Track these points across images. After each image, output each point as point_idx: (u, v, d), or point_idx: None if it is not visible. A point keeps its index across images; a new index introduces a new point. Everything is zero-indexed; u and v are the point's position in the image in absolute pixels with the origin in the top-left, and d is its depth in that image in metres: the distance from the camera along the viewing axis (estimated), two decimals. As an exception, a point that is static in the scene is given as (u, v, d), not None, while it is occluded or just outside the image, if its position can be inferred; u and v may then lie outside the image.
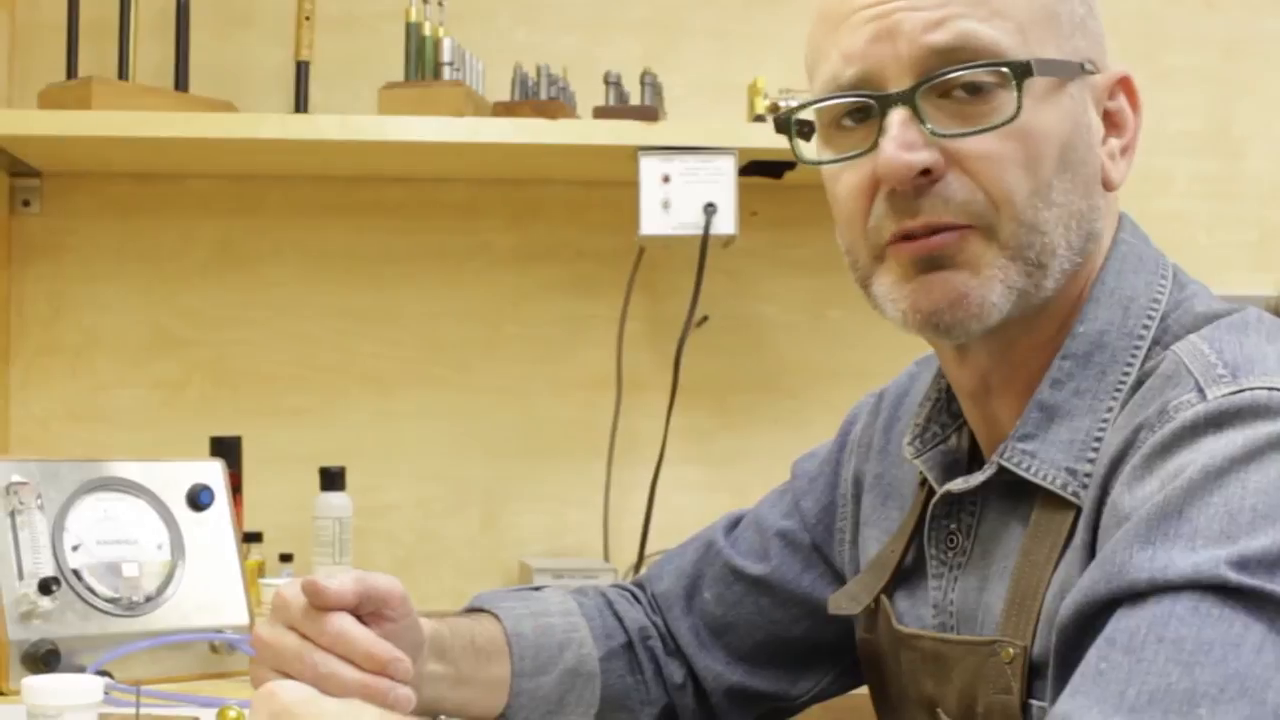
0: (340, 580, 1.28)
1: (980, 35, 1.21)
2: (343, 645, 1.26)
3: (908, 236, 1.24)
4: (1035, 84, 1.22)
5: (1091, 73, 1.27)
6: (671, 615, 1.63)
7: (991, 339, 1.27)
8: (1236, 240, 3.10)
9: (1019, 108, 1.20)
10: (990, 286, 1.23)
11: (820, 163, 1.31)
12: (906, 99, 1.22)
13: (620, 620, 1.62)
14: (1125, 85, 1.30)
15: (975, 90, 1.22)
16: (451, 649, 1.46)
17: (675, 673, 1.62)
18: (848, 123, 1.27)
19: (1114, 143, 1.29)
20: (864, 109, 1.25)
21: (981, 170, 1.22)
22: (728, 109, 2.87)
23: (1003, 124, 1.21)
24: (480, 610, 1.58)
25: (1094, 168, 1.27)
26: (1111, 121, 1.29)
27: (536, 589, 1.66)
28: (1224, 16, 3.11)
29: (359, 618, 1.29)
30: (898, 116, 1.22)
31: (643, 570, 1.74)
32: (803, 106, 1.30)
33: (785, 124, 1.33)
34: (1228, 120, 3.12)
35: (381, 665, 1.25)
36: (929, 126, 1.22)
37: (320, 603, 1.27)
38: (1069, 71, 1.25)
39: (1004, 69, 1.21)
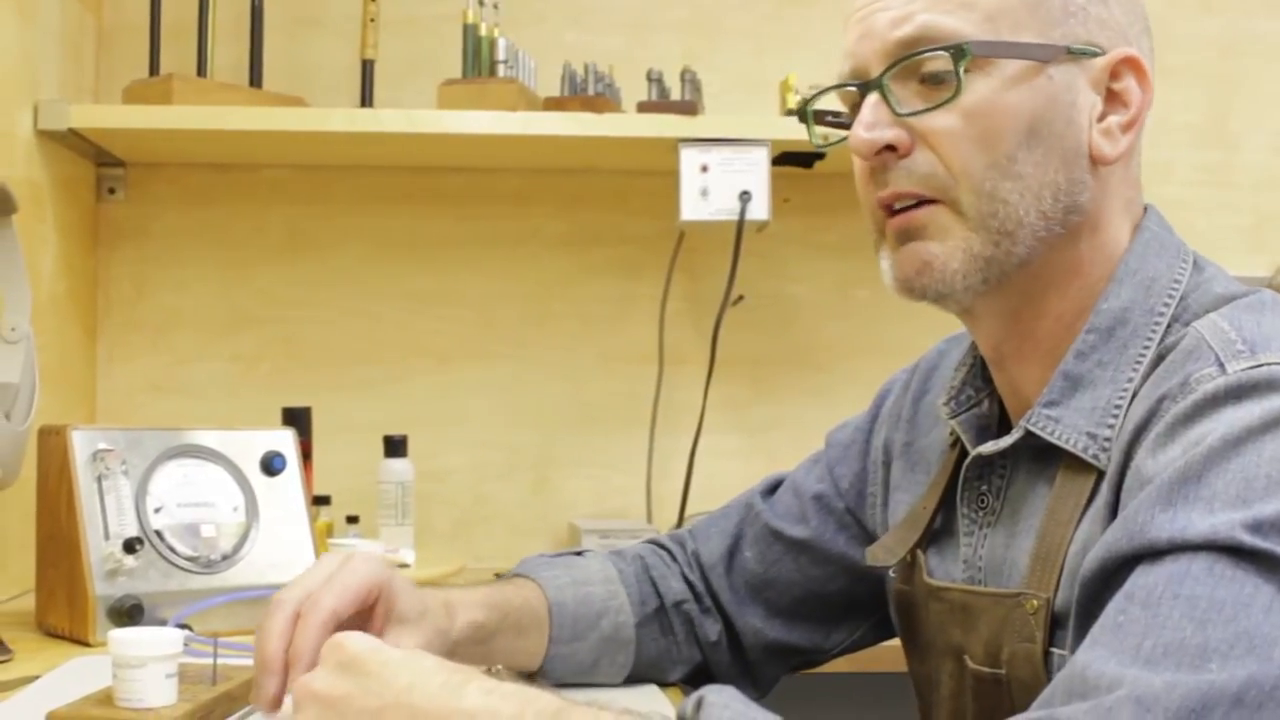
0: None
1: (940, 25, 1.23)
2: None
3: (889, 208, 1.27)
4: (1002, 66, 1.22)
5: (1087, 54, 1.24)
6: (714, 575, 1.62)
7: (992, 307, 1.28)
8: (1232, 225, 3.08)
9: (958, 88, 1.22)
10: (953, 255, 1.24)
11: (831, 144, 1.36)
12: (875, 85, 1.25)
13: (655, 585, 1.61)
14: (1131, 65, 1.27)
15: (935, 76, 1.23)
16: (494, 637, 1.44)
17: (710, 630, 1.61)
18: (850, 111, 1.32)
19: (1114, 119, 1.26)
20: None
21: (941, 146, 1.23)
22: (762, 104, 2.85)
23: (945, 103, 1.22)
24: (523, 576, 1.56)
25: (1075, 142, 1.24)
26: (1116, 100, 1.27)
27: (578, 553, 1.65)
28: (1221, 18, 3.10)
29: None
30: (869, 100, 1.26)
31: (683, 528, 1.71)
32: (813, 98, 1.36)
33: (802, 113, 1.38)
34: (1225, 114, 3.11)
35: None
36: (896, 107, 1.24)
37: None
38: (1045, 54, 1.23)
39: (942, 52, 1.22)
